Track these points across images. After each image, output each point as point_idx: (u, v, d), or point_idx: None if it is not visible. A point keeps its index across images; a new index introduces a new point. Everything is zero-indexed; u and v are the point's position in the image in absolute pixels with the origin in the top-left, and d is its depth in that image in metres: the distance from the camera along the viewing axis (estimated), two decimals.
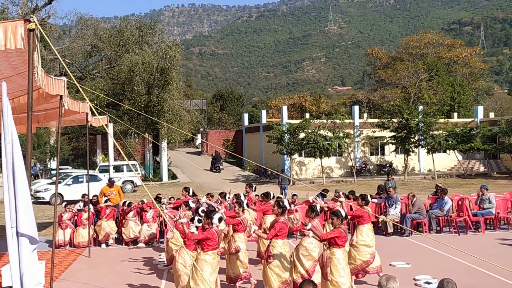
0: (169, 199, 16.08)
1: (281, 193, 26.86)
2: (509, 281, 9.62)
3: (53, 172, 34.27)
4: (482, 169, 42.57)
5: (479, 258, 9.59)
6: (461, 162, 42.37)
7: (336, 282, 7.65)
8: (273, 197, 12.92)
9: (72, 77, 8.08)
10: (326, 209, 11.45)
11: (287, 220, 8.94)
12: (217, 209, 9.79)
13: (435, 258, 12.04)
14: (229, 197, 13.06)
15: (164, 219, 14.37)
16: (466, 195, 17.31)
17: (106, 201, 15.08)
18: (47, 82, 7.03)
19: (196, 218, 8.89)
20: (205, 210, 9.55)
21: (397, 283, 5.23)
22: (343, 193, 14.26)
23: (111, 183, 16.72)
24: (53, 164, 35.98)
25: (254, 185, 14.34)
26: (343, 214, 8.17)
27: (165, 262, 12.08)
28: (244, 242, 10.04)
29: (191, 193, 14.06)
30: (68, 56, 38.14)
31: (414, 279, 10.01)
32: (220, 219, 8.10)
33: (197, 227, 8.45)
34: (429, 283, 9.54)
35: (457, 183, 33.82)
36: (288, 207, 9.05)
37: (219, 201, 12.37)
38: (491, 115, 49.97)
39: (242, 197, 12.10)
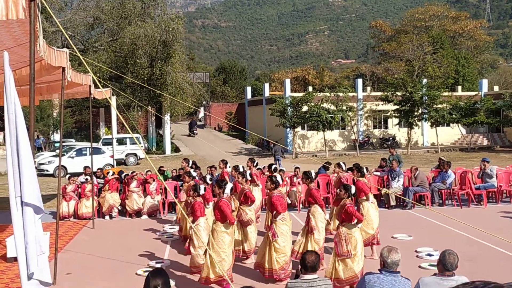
0: (172, 172, 16.19)
1: (276, 164, 27.62)
2: (510, 253, 9.68)
3: (57, 144, 34.34)
4: (485, 142, 42.51)
5: (481, 230, 9.63)
6: (465, 135, 42.31)
7: (355, 259, 7.72)
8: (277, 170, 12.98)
9: (75, 48, 8.03)
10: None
11: (282, 192, 8.97)
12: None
13: (437, 230, 12.10)
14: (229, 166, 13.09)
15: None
16: (469, 169, 17.32)
17: (112, 174, 15.14)
18: (49, 53, 6.99)
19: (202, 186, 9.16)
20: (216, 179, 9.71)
21: (399, 254, 5.26)
22: (343, 163, 14.12)
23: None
24: (56, 136, 36.03)
25: (256, 160, 14.28)
26: (353, 191, 8.18)
27: (169, 233, 12.21)
28: (253, 213, 10.13)
29: (190, 164, 14.17)
30: (70, 29, 37.90)
31: (416, 251, 10.07)
32: (231, 189, 8.17)
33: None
34: (430, 255, 9.59)
35: (460, 156, 33.81)
36: (280, 181, 9.04)
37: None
38: (496, 88, 49.68)
39: (241, 169, 12.11)
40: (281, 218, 8.48)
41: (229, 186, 8.09)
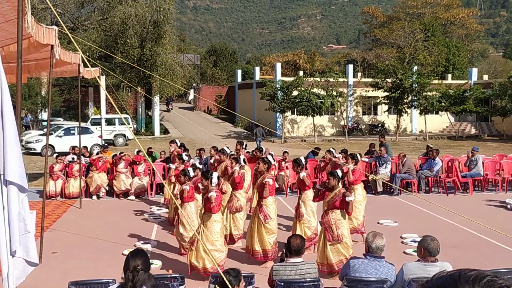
0: (160, 153, 16.16)
1: (257, 145, 28.27)
2: (493, 241, 9.80)
3: (44, 123, 34.10)
4: (473, 131, 42.78)
5: (465, 218, 9.73)
6: (453, 124, 42.55)
7: (346, 243, 7.76)
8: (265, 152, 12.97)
9: (64, 27, 7.94)
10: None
11: (272, 175, 9.02)
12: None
13: (423, 217, 12.22)
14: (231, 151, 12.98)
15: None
16: (456, 157, 17.44)
17: (97, 153, 15.09)
18: (37, 30, 6.91)
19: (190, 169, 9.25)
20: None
21: (384, 240, 5.30)
22: (333, 149, 14.12)
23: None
24: (44, 115, 35.76)
25: (244, 143, 14.21)
26: (340, 175, 8.19)
27: (156, 214, 12.24)
28: (245, 198, 10.17)
29: (179, 144, 14.14)
30: (60, 6, 37.41)
31: (401, 237, 10.17)
32: (218, 178, 8.09)
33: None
34: (415, 241, 9.66)
35: (448, 144, 34.02)
36: (272, 162, 9.08)
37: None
38: (485, 77, 49.87)
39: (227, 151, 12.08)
40: (271, 199, 8.59)
41: (216, 175, 8.03)
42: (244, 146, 13.51)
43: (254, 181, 10.36)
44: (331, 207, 7.84)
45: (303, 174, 9.10)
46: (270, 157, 9.14)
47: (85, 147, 16.66)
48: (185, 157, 11.82)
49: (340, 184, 8.03)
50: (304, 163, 9.29)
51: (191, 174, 9.05)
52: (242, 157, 10.91)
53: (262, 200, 8.55)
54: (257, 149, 12.92)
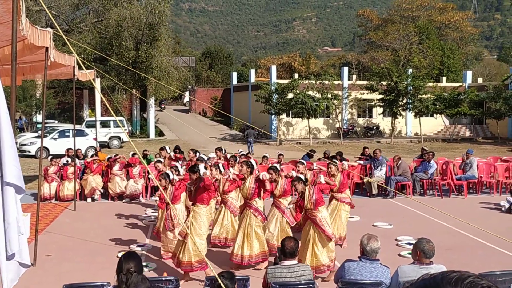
0: (155, 156, 16.12)
1: (248, 148, 29.08)
2: (488, 243, 9.82)
3: (39, 125, 34.00)
4: (468, 134, 42.91)
5: (460, 220, 9.75)
6: (448, 126, 42.67)
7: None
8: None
9: (59, 29, 7.92)
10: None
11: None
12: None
13: (418, 220, 12.23)
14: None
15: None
16: (451, 159, 17.49)
17: (92, 156, 15.05)
18: (32, 32, 6.89)
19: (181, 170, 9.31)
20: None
21: (378, 242, 5.31)
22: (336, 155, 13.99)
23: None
24: (38, 117, 35.66)
25: (223, 148, 14.02)
26: (304, 178, 8.16)
27: (151, 217, 12.21)
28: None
29: (169, 151, 14.09)
30: (55, 8, 37.36)
31: (396, 239, 10.18)
32: (205, 168, 8.11)
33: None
34: (410, 244, 9.68)
35: (442, 147, 34.11)
36: (255, 166, 9.01)
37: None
38: (480, 80, 50.04)
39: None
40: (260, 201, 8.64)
41: (202, 166, 8.05)
42: (223, 152, 13.45)
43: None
44: (316, 206, 7.84)
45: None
46: (253, 161, 9.08)
47: (79, 149, 16.60)
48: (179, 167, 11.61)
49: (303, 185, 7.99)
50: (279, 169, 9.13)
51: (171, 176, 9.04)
52: (221, 163, 10.77)
53: (255, 202, 8.53)
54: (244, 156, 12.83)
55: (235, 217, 9.63)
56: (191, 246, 7.64)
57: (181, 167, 10.86)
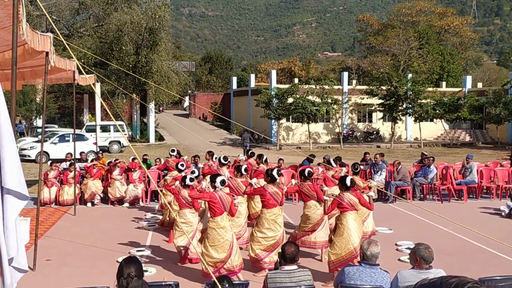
0: (156, 160, 16.14)
1: (244, 151, 28.64)
2: (487, 248, 9.81)
3: (39, 130, 34.01)
4: (467, 138, 42.92)
5: (460, 225, 9.75)
6: (448, 131, 42.70)
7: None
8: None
9: (59, 33, 7.93)
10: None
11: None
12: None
13: (418, 224, 12.23)
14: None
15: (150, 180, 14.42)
16: (451, 164, 17.49)
17: (92, 161, 15.05)
18: (32, 37, 6.91)
19: (188, 177, 9.22)
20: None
21: (379, 247, 5.31)
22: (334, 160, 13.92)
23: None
24: (39, 122, 35.67)
25: (213, 152, 13.97)
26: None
27: (151, 222, 12.21)
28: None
29: (175, 154, 14.12)
30: (55, 13, 37.45)
31: (396, 244, 10.17)
32: (223, 182, 8.02)
33: (187, 185, 9.05)
34: (410, 249, 9.67)
35: (442, 152, 34.11)
36: (277, 178, 9.01)
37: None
38: (479, 85, 50.09)
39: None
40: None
41: (220, 179, 7.99)
42: (213, 156, 13.44)
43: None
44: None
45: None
46: (275, 171, 9.11)
47: (83, 153, 16.61)
48: (181, 167, 11.60)
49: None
50: (277, 176, 9.12)
51: (188, 181, 9.12)
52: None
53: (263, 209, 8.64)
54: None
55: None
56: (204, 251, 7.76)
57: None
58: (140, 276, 4.02)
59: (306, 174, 9.21)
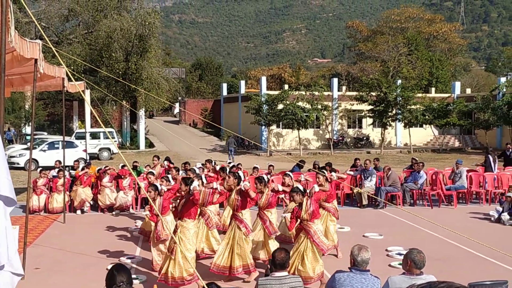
0: (145, 167, 16.07)
1: (229, 156, 30.58)
2: (477, 253, 9.86)
3: (28, 137, 33.82)
4: (457, 144, 43.16)
5: (450, 230, 9.78)
6: (437, 137, 42.90)
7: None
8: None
9: (48, 41, 7.90)
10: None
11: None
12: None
13: (408, 230, 12.26)
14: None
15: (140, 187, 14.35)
16: (440, 170, 17.57)
17: (82, 169, 14.97)
18: (21, 44, 6.87)
19: (160, 186, 9.21)
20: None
21: (369, 253, 5.31)
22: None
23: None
24: (28, 129, 35.47)
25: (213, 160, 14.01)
26: (302, 189, 8.22)
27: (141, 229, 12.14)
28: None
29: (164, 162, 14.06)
30: (44, 20, 37.30)
31: (386, 250, 10.19)
32: (198, 186, 8.10)
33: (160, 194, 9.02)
34: (400, 254, 9.69)
35: (432, 157, 34.27)
36: (243, 177, 9.02)
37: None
38: (468, 91, 50.50)
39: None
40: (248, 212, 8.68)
41: (196, 182, 8.02)
42: (213, 164, 13.45)
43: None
44: (313, 218, 7.96)
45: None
46: (241, 173, 9.12)
47: (77, 161, 16.54)
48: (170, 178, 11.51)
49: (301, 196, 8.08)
50: (266, 180, 9.20)
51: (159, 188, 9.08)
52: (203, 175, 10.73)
53: (241, 214, 8.51)
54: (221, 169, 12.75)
55: (210, 230, 9.66)
56: (182, 261, 7.61)
57: (172, 178, 10.87)
58: (131, 284, 3.99)
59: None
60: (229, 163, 14.37)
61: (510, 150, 18.81)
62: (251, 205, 8.76)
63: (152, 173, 12.41)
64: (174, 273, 7.62)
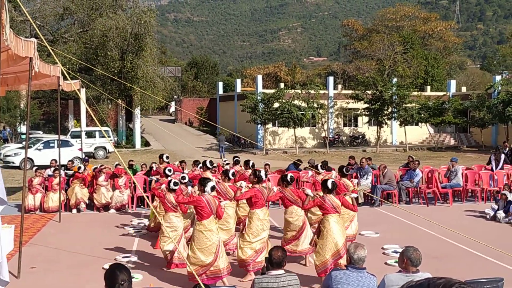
0: (142, 166, 16.05)
1: (220, 152, 31.74)
2: (473, 251, 9.88)
3: (23, 136, 33.72)
4: (452, 142, 43.27)
5: (445, 228, 9.81)
6: (433, 135, 42.99)
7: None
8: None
9: (43, 39, 7.89)
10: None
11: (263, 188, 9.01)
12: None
13: (404, 228, 12.28)
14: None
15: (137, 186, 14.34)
16: (436, 168, 17.61)
17: (80, 168, 14.92)
18: (16, 43, 6.85)
19: (173, 181, 9.16)
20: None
21: (365, 251, 5.32)
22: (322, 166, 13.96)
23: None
24: (23, 128, 35.37)
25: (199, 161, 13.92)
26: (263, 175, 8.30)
27: (137, 228, 12.14)
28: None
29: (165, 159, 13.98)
30: (39, 19, 37.19)
31: (383, 248, 10.20)
32: (213, 188, 8.07)
33: (173, 190, 8.93)
34: (396, 252, 9.71)
35: (427, 155, 34.33)
36: (264, 177, 9.07)
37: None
38: (463, 89, 50.57)
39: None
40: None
41: (210, 184, 7.97)
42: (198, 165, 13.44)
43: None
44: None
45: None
46: (262, 172, 9.18)
47: (71, 161, 16.49)
48: (168, 172, 11.48)
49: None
50: (263, 177, 9.25)
51: (172, 185, 9.06)
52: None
53: (253, 212, 8.55)
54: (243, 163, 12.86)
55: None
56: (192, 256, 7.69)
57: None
58: (131, 283, 3.97)
59: (288, 179, 9.19)
60: (224, 161, 14.33)
61: (507, 148, 18.81)
62: (260, 204, 8.68)
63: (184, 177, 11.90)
64: (223, 264, 7.74)
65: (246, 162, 12.93)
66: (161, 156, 14.06)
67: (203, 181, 8.03)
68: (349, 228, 9.80)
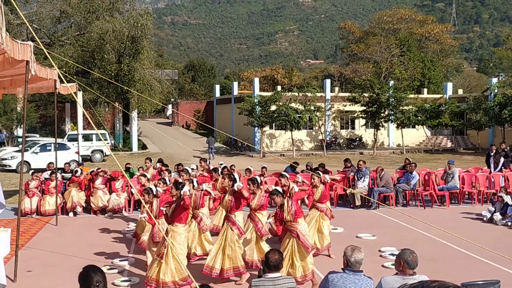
0: (138, 169, 16.03)
1: (209, 153, 32.56)
2: (470, 253, 9.89)
3: (20, 139, 33.65)
4: (449, 144, 43.33)
5: (442, 231, 9.81)
6: (429, 137, 43.04)
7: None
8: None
9: (40, 42, 7.88)
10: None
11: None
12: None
13: (401, 230, 12.29)
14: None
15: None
16: (433, 170, 17.62)
17: (77, 172, 14.90)
18: (12, 46, 6.84)
19: (154, 188, 9.14)
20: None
21: (362, 253, 5.32)
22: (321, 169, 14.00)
23: None
24: (19, 131, 35.29)
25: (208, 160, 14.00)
26: (280, 190, 8.28)
27: (133, 231, 12.10)
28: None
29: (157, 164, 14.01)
30: (36, 22, 37.15)
31: (380, 250, 10.20)
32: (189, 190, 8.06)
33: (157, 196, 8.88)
34: (393, 255, 9.71)
35: (424, 158, 34.36)
36: (238, 179, 9.01)
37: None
38: (460, 91, 50.67)
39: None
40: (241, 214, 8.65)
41: (187, 187, 7.96)
42: (208, 163, 13.47)
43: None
44: (296, 218, 8.01)
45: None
46: (236, 174, 9.16)
47: (67, 164, 16.45)
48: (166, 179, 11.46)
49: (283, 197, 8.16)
50: (259, 182, 9.20)
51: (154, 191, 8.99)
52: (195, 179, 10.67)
53: (234, 216, 8.47)
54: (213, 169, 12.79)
55: (203, 233, 9.70)
56: (174, 266, 7.58)
57: (168, 180, 10.77)
58: (106, 284, 3.93)
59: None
60: (221, 164, 14.30)
61: (494, 151, 18.63)
62: (243, 205, 8.73)
63: (145, 175, 12.35)
64: (165, 278, 7.54)
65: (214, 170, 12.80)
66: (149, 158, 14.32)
67: (178, 185, 8.10)
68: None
